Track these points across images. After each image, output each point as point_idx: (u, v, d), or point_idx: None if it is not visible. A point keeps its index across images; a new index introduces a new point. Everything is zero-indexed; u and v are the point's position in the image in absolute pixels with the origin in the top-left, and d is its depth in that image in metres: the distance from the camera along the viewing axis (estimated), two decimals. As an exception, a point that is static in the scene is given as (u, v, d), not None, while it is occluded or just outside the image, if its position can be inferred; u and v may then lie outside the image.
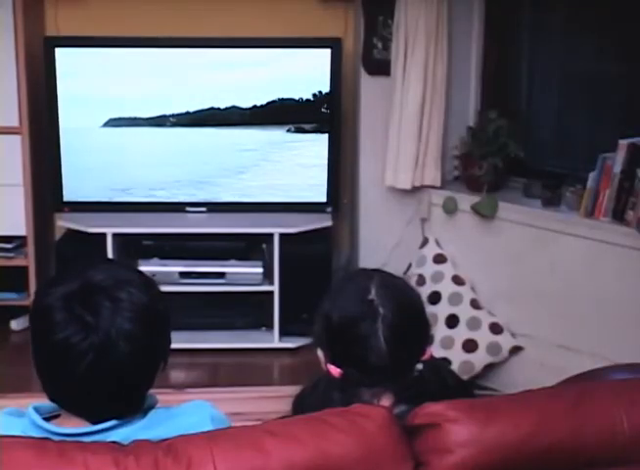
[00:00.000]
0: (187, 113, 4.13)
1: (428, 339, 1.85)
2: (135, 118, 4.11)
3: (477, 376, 3.90)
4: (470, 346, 3.88)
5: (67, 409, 1.61)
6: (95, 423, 1.58)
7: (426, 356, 1.81)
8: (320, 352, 1.86)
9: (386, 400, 1.77)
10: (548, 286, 3.76)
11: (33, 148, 4.04)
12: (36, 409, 1.61)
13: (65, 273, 1.65)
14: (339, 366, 1.79)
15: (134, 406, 1.62)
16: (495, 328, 3.89)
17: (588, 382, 2.02)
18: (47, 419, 1.61)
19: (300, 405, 1.81)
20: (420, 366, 1.79)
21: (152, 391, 1.66)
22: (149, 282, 1.64)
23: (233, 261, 4.08)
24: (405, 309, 1.82)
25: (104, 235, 3.95)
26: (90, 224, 4.02)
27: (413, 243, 4.11)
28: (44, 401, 1.63)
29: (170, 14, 4.22)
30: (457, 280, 3.97)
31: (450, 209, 3.99)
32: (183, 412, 1.64)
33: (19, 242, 4.10)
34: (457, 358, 3.84)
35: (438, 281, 3.98)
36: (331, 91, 4.10)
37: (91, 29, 4.14)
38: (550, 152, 4.14)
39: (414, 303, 1.87)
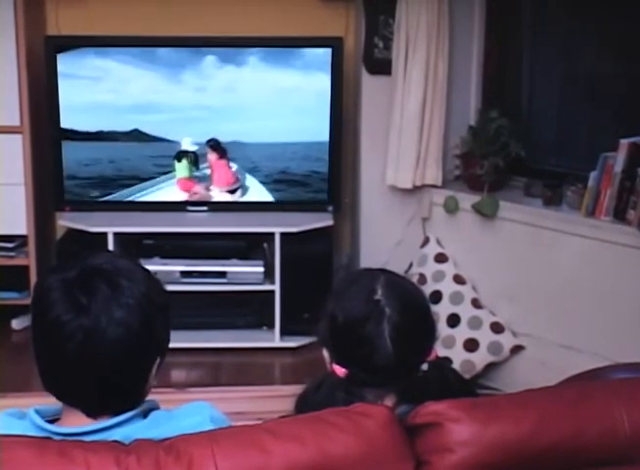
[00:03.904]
0: (188, 111, 4.13)
1: (433, 339, 1.84)
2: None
3: (478, 375, 3.90)
4: (471, 345, 3.88)
5: (61, 399, 1.60)
6: (92, 417, 1.58)
7: (431, 357, 1.80)
8: (325, 352, 1.86)
9: (389, 401, 1.77)
10: (549, 285, 3.76)
11: (34, 147, 4.04)
12: (37, 412, 1.60)
13: (67, 261, 1.65)
14: (344, 366, 1.79)
15: (130, 401, 1.61)
16: (496, 327, 3.89)
17: (589, 381, 2.02)
18: (48, 422, 1.60)
19: (304, 405, 1.81)
20: (425, 366, 1.79)
21: (153, 390, 1.66)
22: (149, 274, 1.64)
23: (234, 261, 4.08)
24: (411, 310, 1.81)
25: (105, 234, 3.94)
26: (91, 223, 4.02)
27: (414, 242, 4.11)
28: (45, 401, 1.62)
29: (171, 13, 4.22)
30: (458, 279, 3.97)
31: (451, 208, 3.99)
32: (183, 413, 1.64)
33: (20, 241, 4.10)
34: (458, 358, 3.84)
35: (439, 280, 3.98)
36: (332, 90, 4.09)
37: (92, 29, 4.14)
38: (551, 151, 4.13)
39: (420, 303, 1.86)
